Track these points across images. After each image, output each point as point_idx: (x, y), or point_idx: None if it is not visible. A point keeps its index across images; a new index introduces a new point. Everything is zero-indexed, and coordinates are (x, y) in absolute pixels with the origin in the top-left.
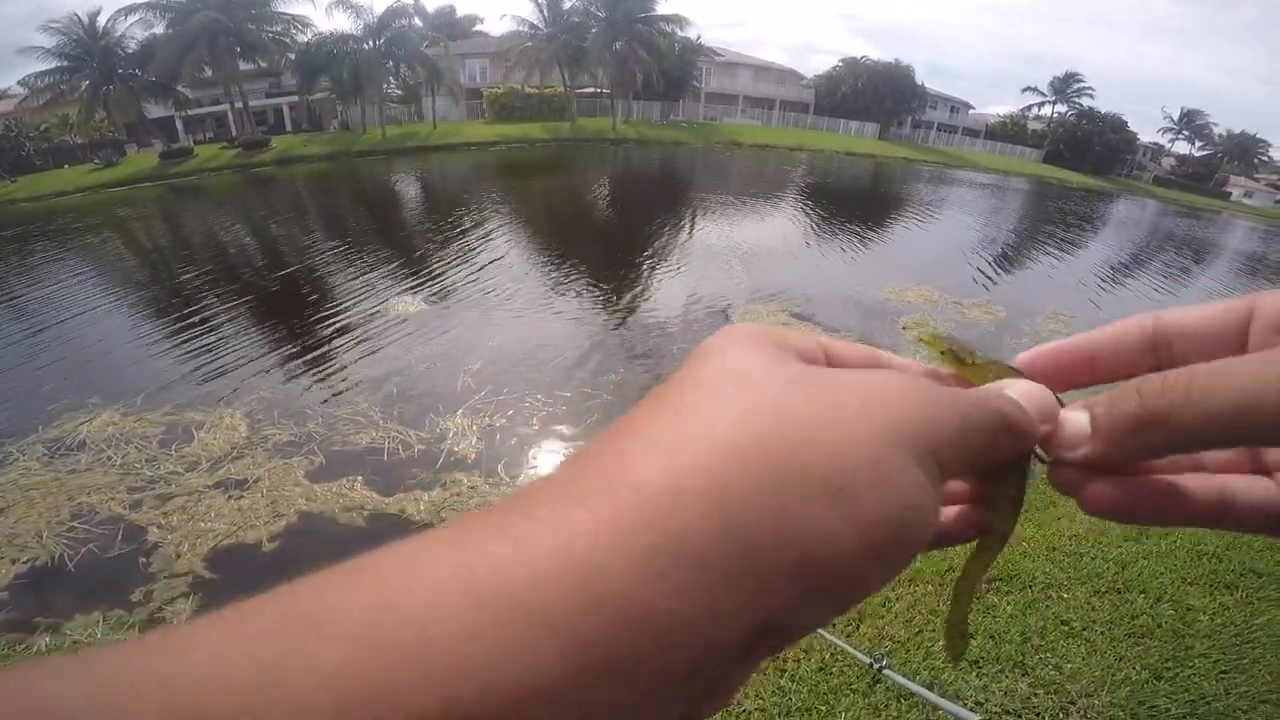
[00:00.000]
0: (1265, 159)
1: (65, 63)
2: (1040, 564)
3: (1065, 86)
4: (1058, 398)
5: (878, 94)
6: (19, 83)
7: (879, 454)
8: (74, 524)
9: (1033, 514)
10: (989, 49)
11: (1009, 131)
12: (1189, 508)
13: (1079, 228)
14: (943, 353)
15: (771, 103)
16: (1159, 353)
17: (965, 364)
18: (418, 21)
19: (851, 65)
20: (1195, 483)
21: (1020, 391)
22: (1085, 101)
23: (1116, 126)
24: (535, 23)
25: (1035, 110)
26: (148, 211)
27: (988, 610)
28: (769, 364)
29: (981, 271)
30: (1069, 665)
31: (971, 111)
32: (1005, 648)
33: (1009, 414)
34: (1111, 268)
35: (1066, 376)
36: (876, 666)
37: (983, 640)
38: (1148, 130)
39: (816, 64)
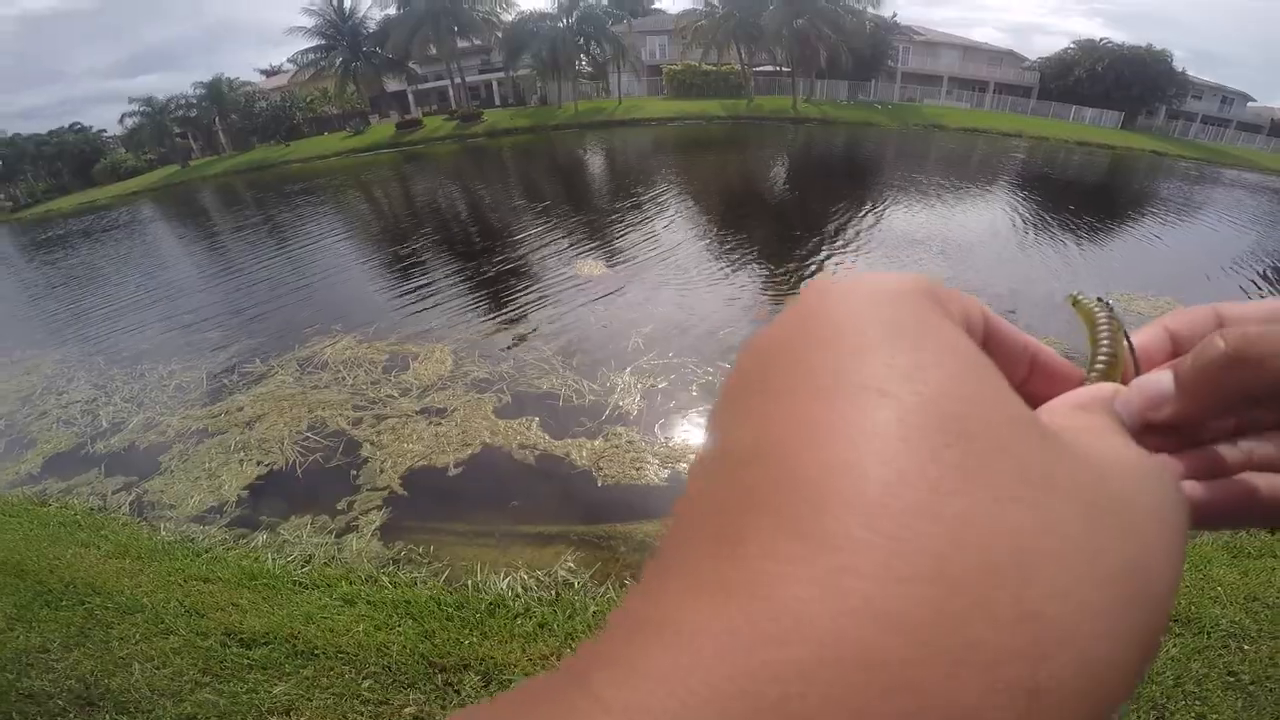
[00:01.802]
0: None
1: (322, 41)
2: (1230, 610)
3: None
4: None
5: (1121, 80)
6: (289, 60)
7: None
8: (309, 434)
9: (1241, 560)
10: (1276, 34)
11: None
12: (1266, 505)
13: None
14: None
15: (984, 85)
16: None
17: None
18: (603, 0)
19: (1088, 48)
20: (1261, 481)
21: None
22: None
23: None
24: (711, 0)
25: None
26: (385, 175)
27: None
28: (996, 413)
29: (1245, 289)
30: (1214, 716)
31: (1250, 104)
32: (1150, 688)
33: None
34: None
35: (1154, 357)
36: None
37: None
38: None
39: (1039, 45)
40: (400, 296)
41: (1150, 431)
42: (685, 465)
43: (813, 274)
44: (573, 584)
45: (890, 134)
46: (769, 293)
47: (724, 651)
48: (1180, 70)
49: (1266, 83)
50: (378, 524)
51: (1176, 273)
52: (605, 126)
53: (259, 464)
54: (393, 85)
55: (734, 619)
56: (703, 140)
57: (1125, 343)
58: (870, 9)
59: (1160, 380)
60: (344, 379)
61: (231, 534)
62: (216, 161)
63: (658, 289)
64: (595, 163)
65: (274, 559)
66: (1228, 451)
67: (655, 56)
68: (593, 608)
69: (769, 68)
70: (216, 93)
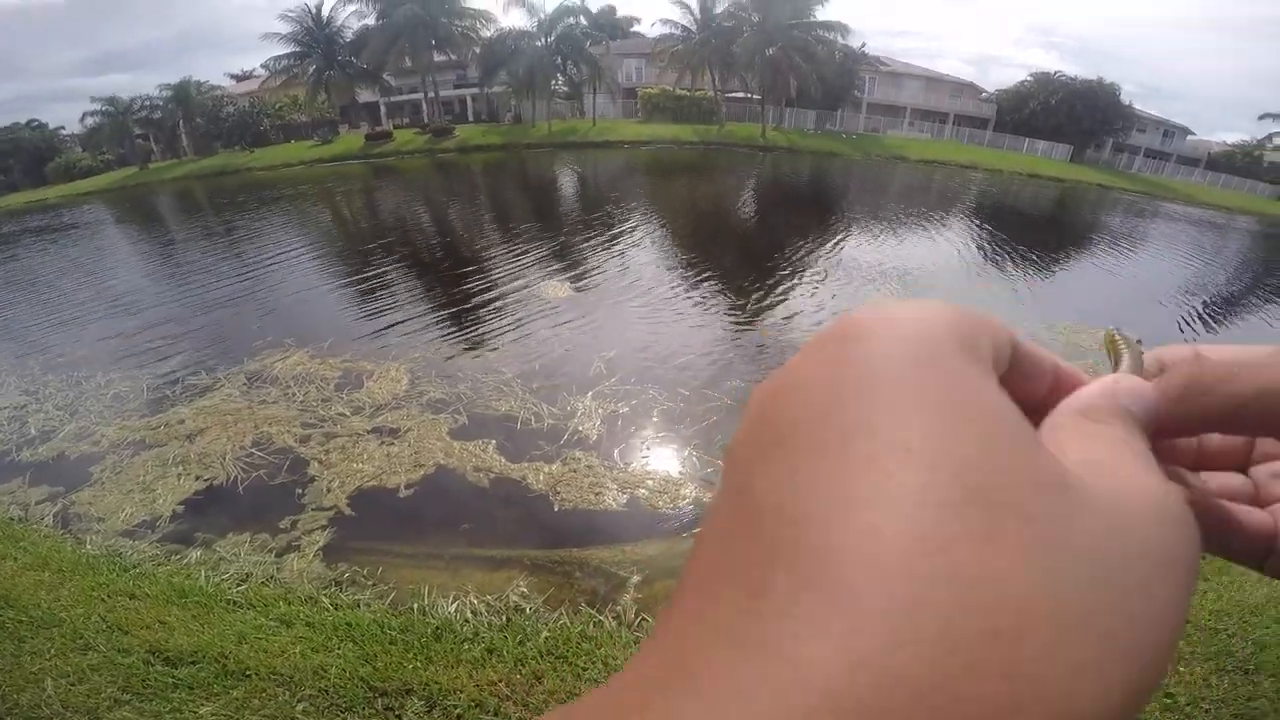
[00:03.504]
0: None
1: (297, 48)
2: None
3: None
4: None
5: (1073, 113)
6: (261, 66)
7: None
8: (253, 450)
9: None
10: (1217, 70)
11: (1237, 162)
12: (1245, 534)
13: None
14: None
15: (944, 116)
16: None
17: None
18: (583, 20)
19: (1043, 81)
20: (1246, 515)
21: (1130, 393)
22: None
23: None
24: (687, 25)
25: (1276, 140)
26: (351, 186)
27: None
28: (1020, 477)
29: (1184, 320)
30: None
31: (1190, 138)
32: None
33: None
34: None
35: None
36: None
37: None
38: None
39: (998, 78)
40: (357, 312)
41: None
42: (644, 491)
43: (773, 303)
44: (524, 609)
45: (854, 164)
46: (734, 321)
47: (744, 704)
48: (1128, 104)
49: (1205, 116)
50: (321, 544)
51: (1119, 305)
52: (578, 147)
53: (198, 479)
54: (365, 96)
55: (753, 675)
56: (674, 164)
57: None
58: (840, 38)
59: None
60: (294, 395)
61: (163, 550)
62: (177, 165)
63: (623, 313)
64: (566, 183)
65: (207, 576)
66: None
67: (632, 79)
68: (544, 633)
69: (740, 94)
70: (183, 95)
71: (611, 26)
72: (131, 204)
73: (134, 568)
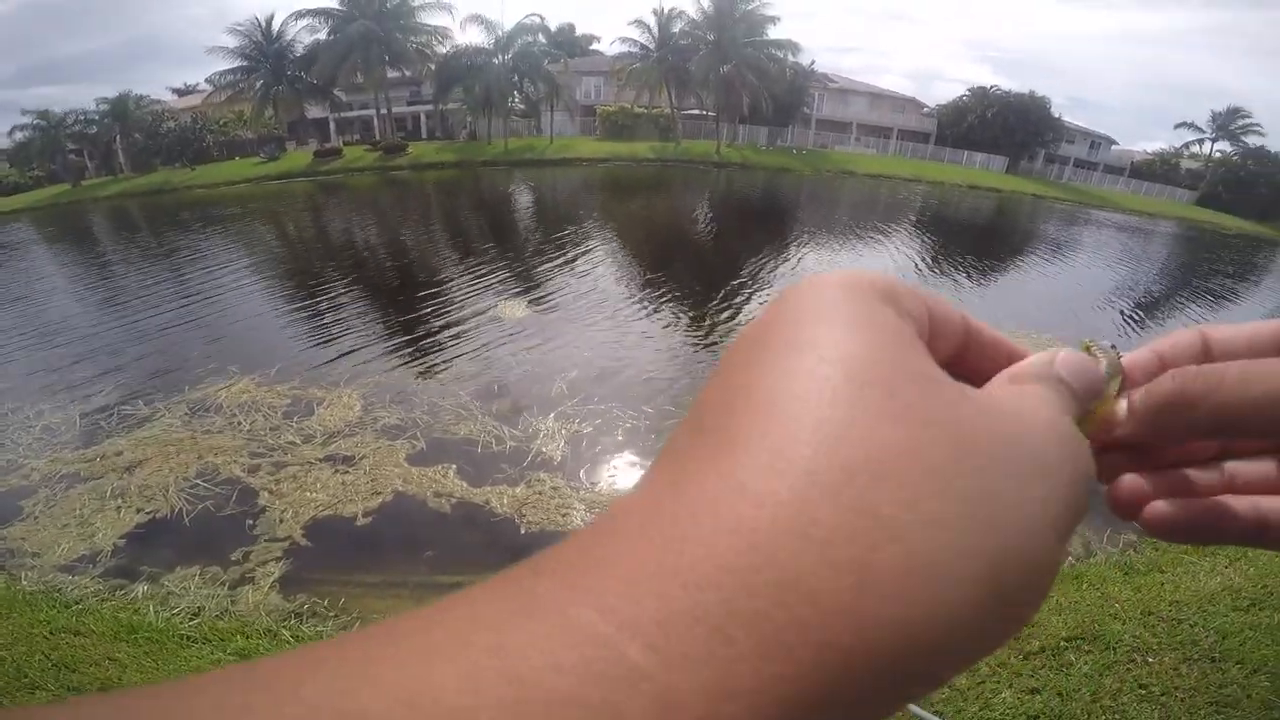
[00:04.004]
0: None
1: (244, 62)
2: (1131, 627)
3: (1228, 122)
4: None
5: (1008, 126)
6: (206, 80)
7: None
8: (198, 481)
9: (1133, 577)
10: (1139, 81)
11: (1157, 170)
12: (1238, 524)
13: (1231, 278)
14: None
15: (888, 131)
16: (1206, 360)
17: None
18: (541, 39)
19: (979, 95)
20: (1238, 503)
21: (1066, 363)
22: (1252, 140)
23: None
24: (645, 43)
25: (1192, 148)
26: (298, 205)
27: (1061, 668)
28: (896, 369)
29: (1113, 323)
30: None
31: (1115, 147)
32: (1071, 705)
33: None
34: None
35: (1139, 380)
36: None
37: (1048, 696)
38: None
39: (941, 92)
40: (306, 337)
41: (1120, 451)
42: None
43: (730, 318)
44: None
45: (805, 180)
46: (696, 336)
47: (655, 536)
48: (1057, 116)
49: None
50: (277, 575)
51: (1053, 309)
52: (535, 165)
53: (139, 511)
54: (314, 112)
55: (665, 511)
56: (632, 182)
57: (1119, 378)
58: (791, 56)
59: (1117, 407)
60: (240, 424)
61: (106, 585)
62: (112, 182)
63: (583, 332)
64: (523, 201)
65: (157, 611)
66: (1203, 474)
67: (590, 97)
68: None
69: (696, 111)
70: (121, 110)
71: (570, 44)
72: (63, 223)
73: (76, 604)
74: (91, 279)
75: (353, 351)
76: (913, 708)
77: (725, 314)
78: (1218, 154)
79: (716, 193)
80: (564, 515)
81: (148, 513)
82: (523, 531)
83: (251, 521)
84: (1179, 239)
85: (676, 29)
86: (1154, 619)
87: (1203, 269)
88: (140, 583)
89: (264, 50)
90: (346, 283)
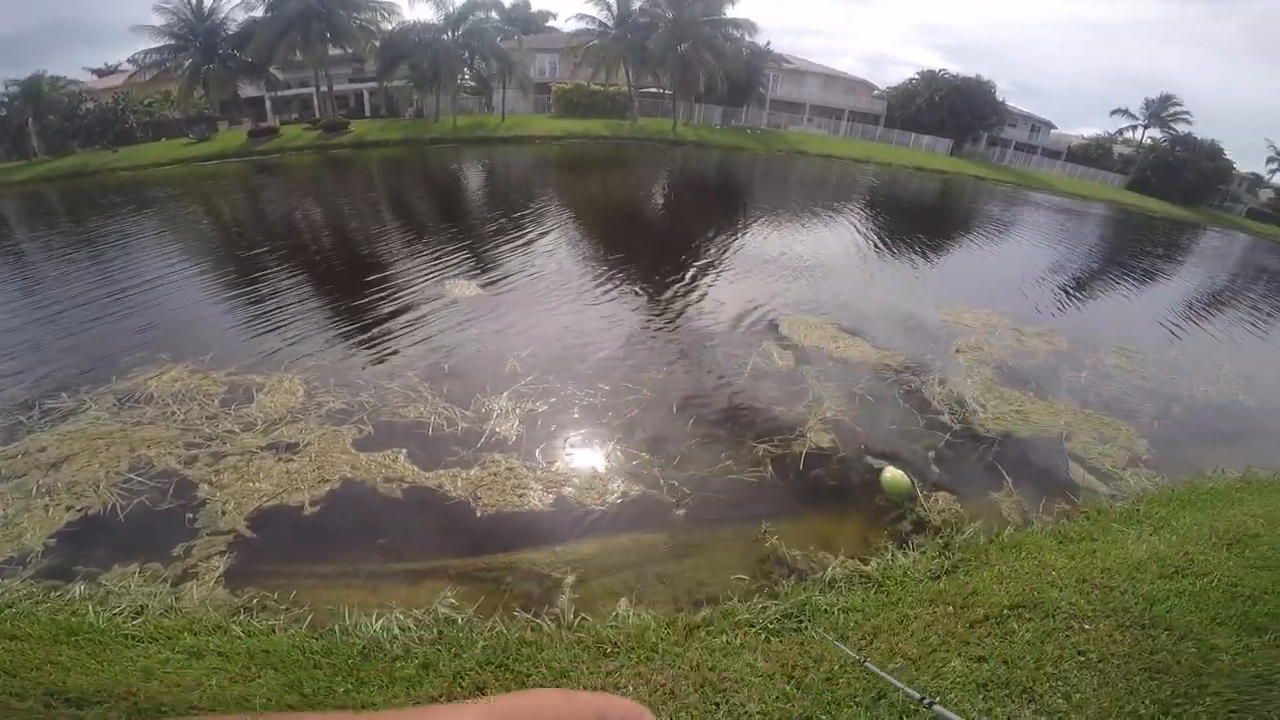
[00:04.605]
0: None
1: (172, 41)
2: (1067, 594)
3: (1160, 110)
4: None
5: (954, 109)
6: (129, 60)
7: None
8: (131, 475)
9: (1067, 544)
10: (1082, 68)
11: (1092, 154)
12: None
13: (1160, 259)
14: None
15: (840, 113)
16: None
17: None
18: (494, 15)
19: (928, 79)
20: None
21: None
22: (1181, 127)
23: (1212, 154)
24: (604, 20)
25: (1126, 134)
26: (231, 185)
27: (1005, 636)
28: None
29: (1047, 299)
30: (1078, 695)
31: (1054, 132)
32: (1017, 673)
33: None
34: (1190, 304)
35: None
36: (927, 703)
37: (994, 664)
38: (1253, 162)
39: (892, 76)
40: (242, 322)
41: None
42: (570, 489)
43: (685, 295)
44: (456, 620)
45: (758, 158)
46: (646, 314)
47: None
48: (1001, 100)
49: (1067, 112)
50: (222, 570)
51: (1000, 286)
52: (486, 143)
53: (69, 509)
54: (249, 90)
55: None
56: (588, 159)
57: None
58: (747, 35)
59: None
60: (173, 414)
61: (40, 587)
62: (25, 166)
63: (536, 311)
64: (474, 180)
65: (96, 612)
66: None
67: (545, 74)
68: (481, 643)
69: (653, 89)
70: (34, 91)
71: (525, 21)
72: None
73: (8, 607)
74: (6, 269)
75: (293, 335)
76: (938, 707)
77: (681, 292)
78: (1149, 140)
79: (673, 170)
80: (520, 496)
81: (79, 510)
82: (478, 515)
83: (192, 515)
84: (1110, 220)
85: (636, 6)
86: (1088, 586)
87: (1134, 249)
88: (76, 583)
89: (194, 29)
90: (284, 264)
